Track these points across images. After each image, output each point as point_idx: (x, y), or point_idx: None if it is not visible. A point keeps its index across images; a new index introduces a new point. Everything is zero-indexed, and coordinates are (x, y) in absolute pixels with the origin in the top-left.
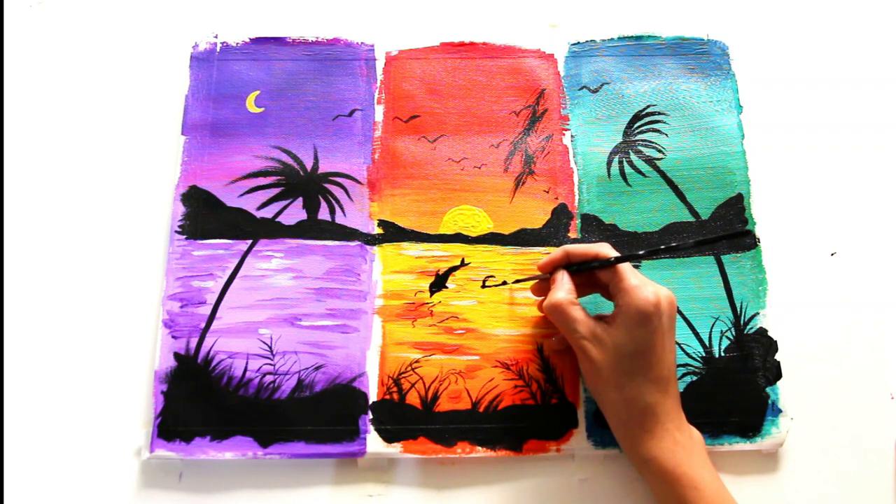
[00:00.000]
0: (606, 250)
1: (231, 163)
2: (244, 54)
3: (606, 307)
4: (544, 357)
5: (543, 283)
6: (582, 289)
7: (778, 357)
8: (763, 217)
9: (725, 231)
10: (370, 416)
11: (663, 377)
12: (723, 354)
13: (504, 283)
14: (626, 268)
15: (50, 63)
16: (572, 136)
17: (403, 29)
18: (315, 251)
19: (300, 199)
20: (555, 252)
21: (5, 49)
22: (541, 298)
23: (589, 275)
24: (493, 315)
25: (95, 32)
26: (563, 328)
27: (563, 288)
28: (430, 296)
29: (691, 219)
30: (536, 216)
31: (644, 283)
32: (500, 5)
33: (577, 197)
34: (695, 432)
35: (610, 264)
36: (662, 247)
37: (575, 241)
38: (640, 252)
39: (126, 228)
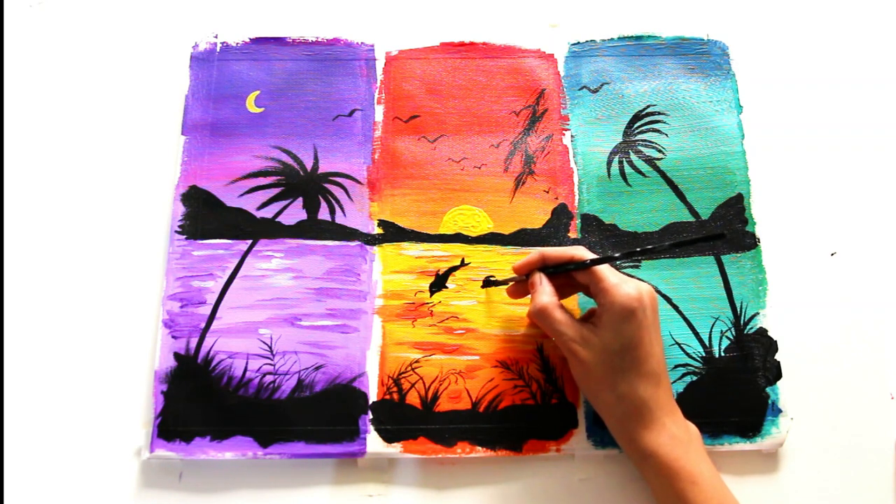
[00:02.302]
0: (582, 252)
1: (231, 163)
2: (244, 54)
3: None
4: (544, 357)
5: (520, 286)
6: (563, 290)
7: (778, 357)
8: (763, 217)
9: (703, 233)
10: (370, 416)
11: (654, 371)
12: (723, 354)
13: (502, 282)
14: (603, 267)
15: (50, 63)
16: (572, 136)
17: (403, 29)
18: (315, 251)
19: (300, 199)
20: (531, 255)
21: (5, 49)
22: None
23: (567, 276)
24: (493, 315)
25: (95, 32)
26: (550, 332)
27: (544, 292)
28: (430, 296)
29: (691, 219)
30: (536, 216)
31: (623, 281)
32: (500, 5)
33: (577, 197)
34: (691, 427)
35: (585, 267)
36: (638, 249)
37: (575, 241)
38: (616, 254)
39: (126, 228)
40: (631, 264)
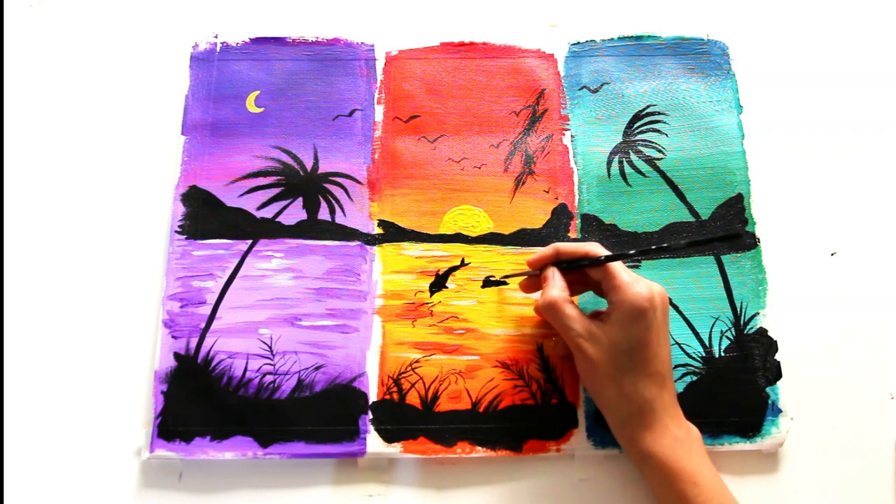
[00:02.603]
0: (597, 249)
1: (231, 163)
2: (244, 54)
3: (604, 305)
4: (544, 357)
5: (533, 280)
6: (574, 287)
7: (778, 357)
8: (763, 217)
9: (719, 232)
10: (370, 416)
11: (659, 372)
12: (723, 354)
13: (502, 282)
14: (617, 265)
15: (50, 63)
16: (572, 136)
17: (403, 29)
18: (315, 251)
19: (300, 199)
20: (545, 249)
21: (5, 49)
22: (536, 300)
23: (580, 273)
24: (493, 315)
25: (95, 32)
26: (558, 326)
27: (556, 286)
28: (430, 296)
29: (691, 219)
30: (536, 216)
31: (636, 280)
32: (500, 5)
33: (577, 197)
34: (692, 428)
35: (600, 263)
36: (654, 247)
37: (574, 241)
38: (631, 251)
39: (126, 228)
40: (631, 264)
